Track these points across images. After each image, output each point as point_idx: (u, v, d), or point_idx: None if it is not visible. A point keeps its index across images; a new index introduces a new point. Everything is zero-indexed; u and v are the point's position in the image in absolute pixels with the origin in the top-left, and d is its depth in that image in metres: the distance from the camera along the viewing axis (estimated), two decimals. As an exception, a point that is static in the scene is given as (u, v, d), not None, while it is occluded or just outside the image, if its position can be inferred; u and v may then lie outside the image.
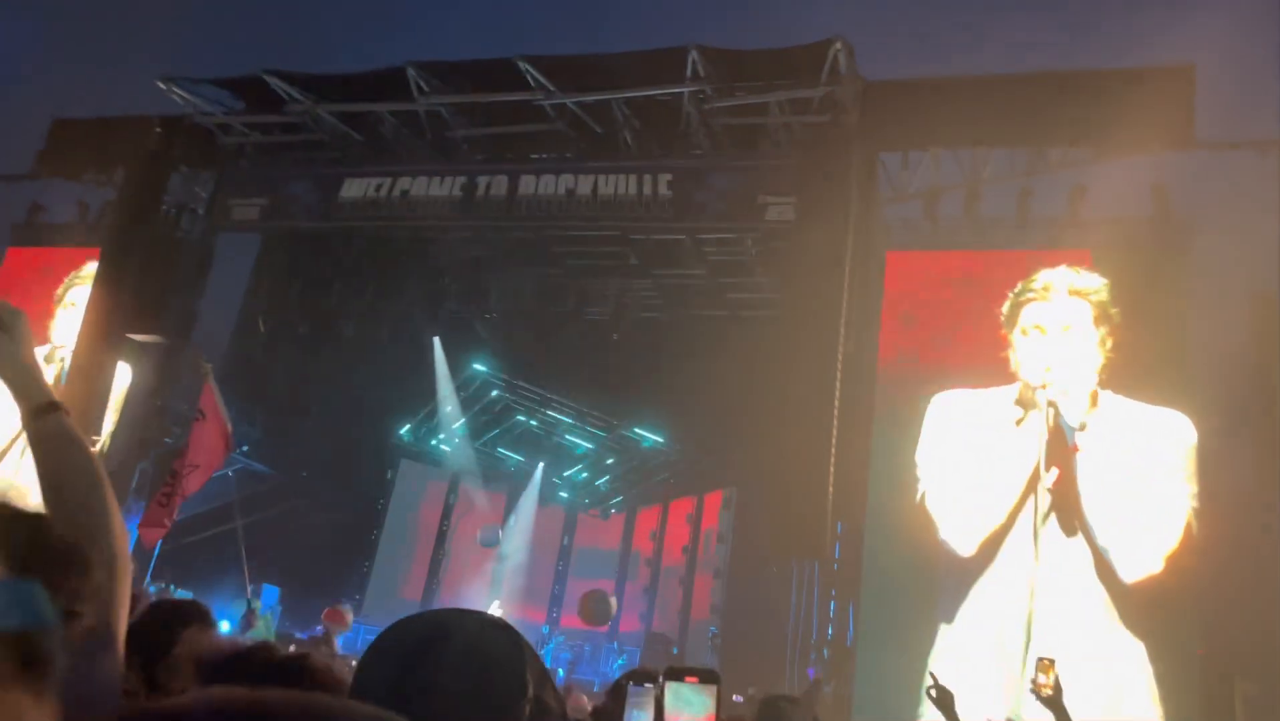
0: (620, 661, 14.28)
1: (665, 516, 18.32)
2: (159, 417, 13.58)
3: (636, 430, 16.92)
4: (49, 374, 13.75)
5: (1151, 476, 9.73)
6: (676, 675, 1.40)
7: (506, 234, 13.72)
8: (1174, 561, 9.42)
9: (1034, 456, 10.11)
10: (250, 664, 1.55)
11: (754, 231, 12.42)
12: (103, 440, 13.29)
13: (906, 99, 11.17)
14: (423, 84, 12.25)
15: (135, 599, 2.26)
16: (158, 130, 13.51)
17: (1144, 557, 9.51)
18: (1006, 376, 10.62)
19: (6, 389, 1.60)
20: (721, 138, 11.88)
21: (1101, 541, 9.64)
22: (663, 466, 17.70)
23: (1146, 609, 9.40)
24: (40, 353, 14.23)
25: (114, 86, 15.93)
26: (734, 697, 9.90)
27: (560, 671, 12.73)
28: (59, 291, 14.61)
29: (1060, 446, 10.04)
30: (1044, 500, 10.01)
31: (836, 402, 9.87)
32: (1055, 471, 9.94)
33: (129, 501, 13.02)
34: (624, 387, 15.83)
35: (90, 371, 12.85)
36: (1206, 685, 8.99)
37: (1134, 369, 10.11)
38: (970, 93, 10.99)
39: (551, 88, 11.76)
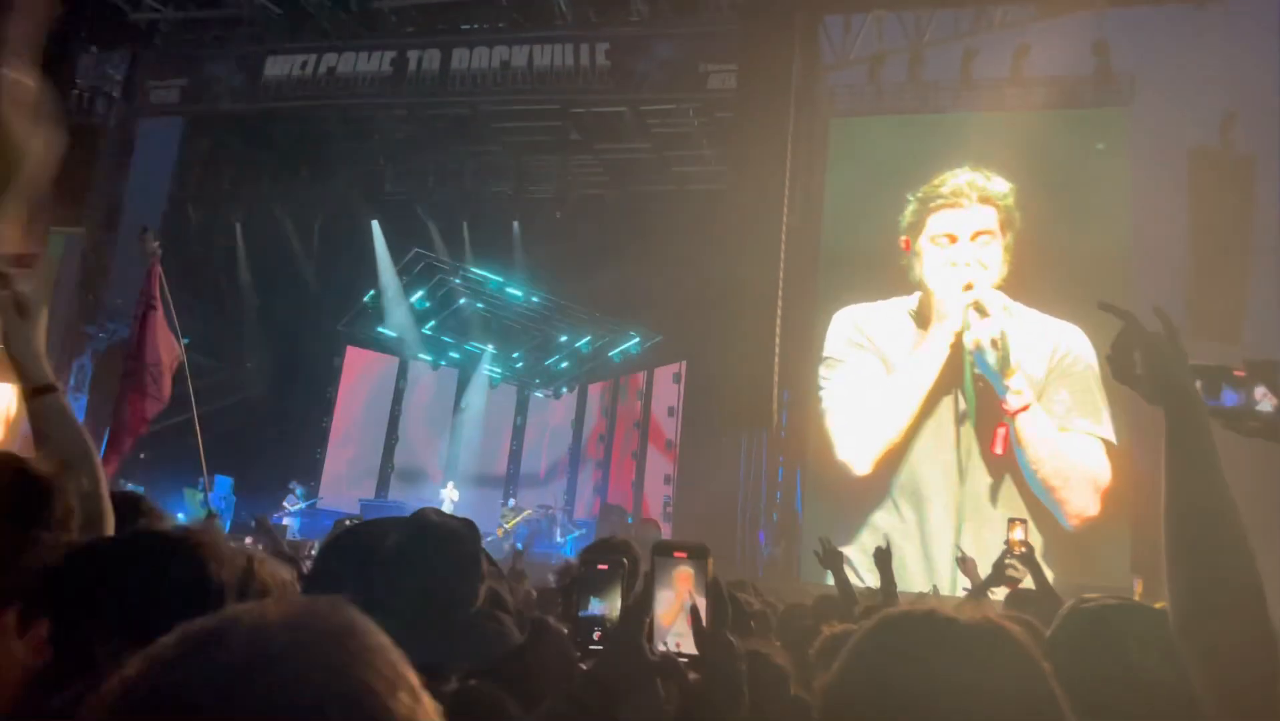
0: (574, 535, 14.59)
1: (616, 392, 18.49)
2: (92, 311, 13.22)
3: (584, 308, 16.87)
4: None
5: (1070, 407, 9.72)
6: (664, 550, 1.36)
7: (441, 111, 13.30)
8: (1108, 498, 9.54)
9: (935, 371, 10.09)
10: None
11: (696, 102, 12.16)
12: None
13: (849, -42, 10.86)
14: (344, -49, 11.61)
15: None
16: (60, 6, 12.68)
17: (1084, 503, 9.57)
18: (905, 286, 10.53)
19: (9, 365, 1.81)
20: (660, 4, 11.50)
21: (1043, 498, 9.65)
22: (613, 343, 17.75)
23: (1083, 551, 9.47)
24: None
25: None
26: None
27: (519, 545, 12.99)
28: None
29: (981, 378, 9.99)
30: (965, 431, 10.05)
31: (781, 273, 9.89)
32: (999, 430, 9.88)
33: (68, 397, 12.77)
34: (570, 266, 15.67)
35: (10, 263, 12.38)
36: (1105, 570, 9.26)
37: (1035, 271, 10.02)
38: (913, -50, 10.70)
39: (481, -48, 11.22)
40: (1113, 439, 9.60)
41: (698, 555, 1.35)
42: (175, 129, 14.52)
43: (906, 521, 10.16)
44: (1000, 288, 10.08)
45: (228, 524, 12.08)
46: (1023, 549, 4.20)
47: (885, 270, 10.72)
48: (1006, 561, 4.22)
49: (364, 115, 13.86)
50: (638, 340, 17.09)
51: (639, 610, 1.33)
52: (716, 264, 10.78)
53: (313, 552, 6.56)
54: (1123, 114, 10.52)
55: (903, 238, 10.59)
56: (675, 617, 1.33)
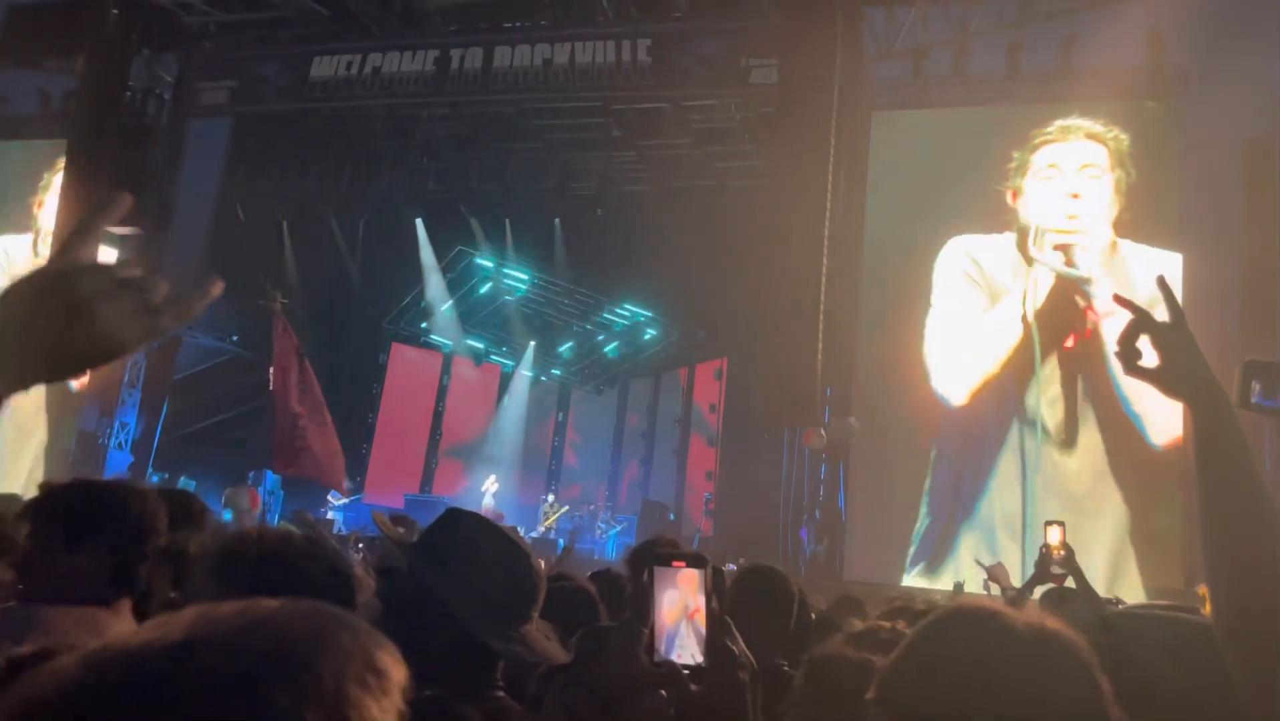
0: (615, 531, 14.63)
1: (658, 389, 18.49)
2: (145, 310, 13.47)
3: (626, 305, 16.89)
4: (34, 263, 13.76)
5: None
6: (664, 560, 1.36)
7: (484, 109, 13.38)
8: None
9: (1034, 304, 9.98)
10: (238, 561, 1.56)
11: (738, 97, 12.12)
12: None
13: (892, -50, 10.74)
14: (388, -49, 11.71)
15: (139, 492, 2.26)
16: (115, 11, 12.95)
17: (1167, 420, 9.18)
18: (1009, 225, 10.37)
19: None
20: (701, -1, 11.46)
21: (1134, 408, 9.33)
22: (654, 340, 17.76)
23: (1141, 553, 9.28)
24: (25, 241, 14.28)
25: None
26: (726, 566, 10.17)
27: (560, 542, 13.05)
28: (45, 179, 14.38)
29: (1072, 302, 9.88)
30: (1054, 358, 9.90)
31: (824, 267, 9.82)
32: (1072, 335, 9.81)
33: (121, 393, 13.06)
34: (612, 262, 15.70)
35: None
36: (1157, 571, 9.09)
37: (1138, 215, 9.91)
38: (958, -60, 10.56)
39: (522, -49, 11.26)
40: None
41: (696, 564, 1.35)
42: (224, 129, 14.78)
43: (956, 519, 10.05)
44: (1117, 227, 9.90)
45: (275, 518, 12.27)
46: (1062, 552, 4.12)
47: (930, 266, 10.64)
48: (1050, 564, 4.13)
49: (407, 114, 14.00)
50: (679, 336, 17.09)
51: (637, 620, 1.33)
52: (758, 259, 10.73)
53: (359, 546, 6.64)
54: (1175, 106, 10.29)
55: (1009, 190, 10.42)
56: (675, 627, 1.33)
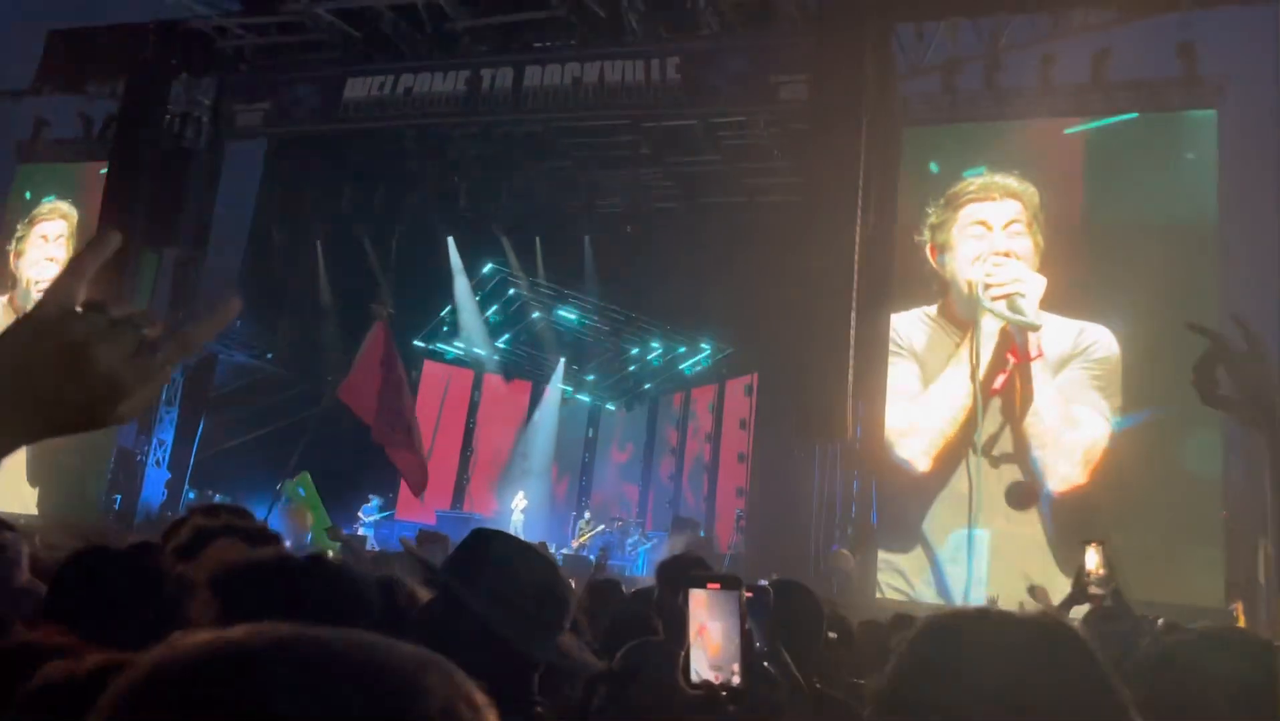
0: (646, 547, 14.60)
1: (688, 405, 18.47)
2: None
3: (656, 321, 16.91)
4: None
5: (1082, 386, 9.71)
6: (698, 581, 1.36)
7: (514, 128, 13.50)
8: (1097, 473, 9.49)
9: (978, 364, 10.10)
10: (271, 582, 1.57)
11: (767, 113, 12.14)
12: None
13: (921, -35, 10.73)
14: (420, -26, 11.87)
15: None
16: (154, 36, 13.22)
17: (1069, 470, 9.57)
18: (926, 292, 10.50)
19: None
20: (730, 16, 11.49)
21: (1034, 452, 9.70)
22: (684, 356, 17.75)
23: (1176, 572, 9.20)
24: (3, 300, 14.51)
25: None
26: (759, 581, 10.10)
27: (592, 558, 13.05)
28: (20, 229, 14.75)
29: (1007, 348, 9.98)
30: (989, 409, 10.01)
31: (855, 284, 9.78)
32: (1002, 375, 9.94)
33: (159, 410, 13.24)
34: (641, 279, 15.74)
35: (110, 284, 12.91)
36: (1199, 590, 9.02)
37: (1113, 283, 9.89)
38: (988, -45, 10.53)
39: (552, -29, 11.36)
40: (1109, 424, 9.51)
41: (731, 586, 1.35)
42: (260, 151, 15.02)
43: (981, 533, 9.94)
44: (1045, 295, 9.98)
45: (309, 534, 12.36)
46: (1101, 572, 4.02)
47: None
48: (1087, 584, 4.04)
49: (439, 134, 14.14)
50: (709, 352, 17.07)
51: (673, 642, 1.33)
52: (788, 275, 10.71)
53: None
54: (1210, 117, 10.18)
55: (927, 244, 10.52)
56: (710, 648, 1.32)
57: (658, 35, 11.73)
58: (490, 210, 16.10)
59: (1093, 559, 4.05)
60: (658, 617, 3.01)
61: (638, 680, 1.40)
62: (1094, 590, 4.01)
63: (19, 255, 14.65)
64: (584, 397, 19.95)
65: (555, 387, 19.28)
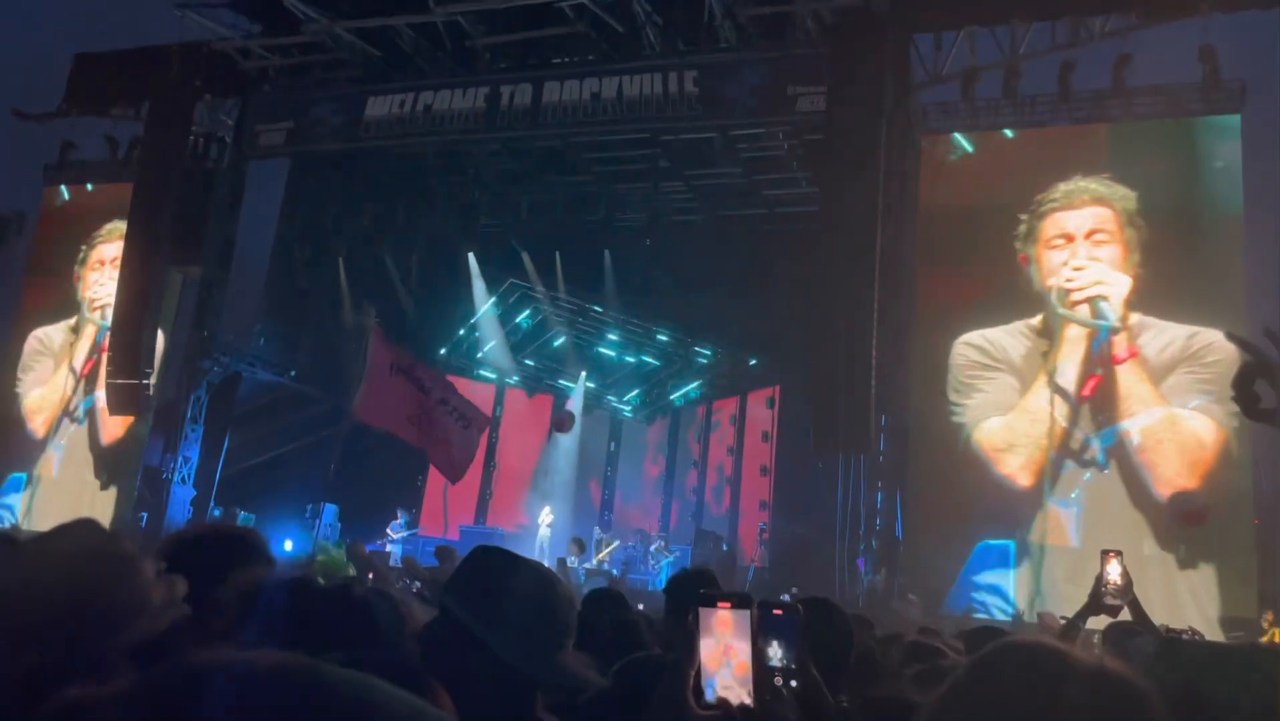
0: (668, 561, 14.54)
1: (709, 417, 18.42)
2: (208, 347, 13.83)
3: (677, 334, 16.91)
4: (87, 336, 14.48)
5: (1192, 390, 9.45)
6: (709, 601, 1.34)
7: (534, 144, 13.56)
8: (1210, 477, 9.21)
9: (1070, 376, 9.91)
10: (294, 603, 1.58)
11: (786, 125, 12.14)
12: (155, 372, 13.59)
13: (938, -26, 10.72)
14: (438, -7, 11.96)
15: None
16: (176, 59, 13.40)
17: (1174, 472, 9.31)
18: (1027, 303, 10.32)
19: None
20: (747, 29, 11.51)
21: (1136, 459, 9.45)
22: (705, 369, 17.72)
23: (1208, 581, 9.13)
24: (67, 324, 14.93)
25: (135, 14, 15.76)
26: (782, 596, 10.05)
27: (614, 572, 13.01)
28: (82, 254, 15.08)
29: (1095, 354, 9.81)
30: (1079, 414, 9.82)
31: (876, 294, 9.75)
32: (1091, 380, 9.75)
33: (185, 428, 13.36)
34: (662, 292, 15.74)
35: (135, 304, 13.06)
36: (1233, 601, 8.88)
37: (1166, 283, 9.74)
38: (1005, -37, 10.50)
39: (569, -12, 11.42)
40: (1223, 419, 9.15)
41: (742, 605, 1.33)
42: (282, 170, 15.17)
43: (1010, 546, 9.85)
44: (1130, 299, 9.80)
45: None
46: (1119, 582, 3.93)
47: (990, 290, 10.54)
48: (1104, 595, 3.96)
49: (459, 150, 14.22)
50: (731, 365, 17.03)
51: (684, 662, 1.32)
52: (809, 286, 10.68)
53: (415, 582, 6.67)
54: (1233, 121, 10.09)
55: (1019, 254, 10.37)
56: (721, 668, 1.31)
57: (675, 49, 11.77)
58: (510, 225, 16.16)
59: (1114, 570, 3.98)
60: (665, 635, 2.99)
61: (644, 710, 1.38)
62: (1111, 601, 3.93)
63: (78, 278, 15.16)
64: (606, 411, 19.95)
65: (577, 401, 19.28)
